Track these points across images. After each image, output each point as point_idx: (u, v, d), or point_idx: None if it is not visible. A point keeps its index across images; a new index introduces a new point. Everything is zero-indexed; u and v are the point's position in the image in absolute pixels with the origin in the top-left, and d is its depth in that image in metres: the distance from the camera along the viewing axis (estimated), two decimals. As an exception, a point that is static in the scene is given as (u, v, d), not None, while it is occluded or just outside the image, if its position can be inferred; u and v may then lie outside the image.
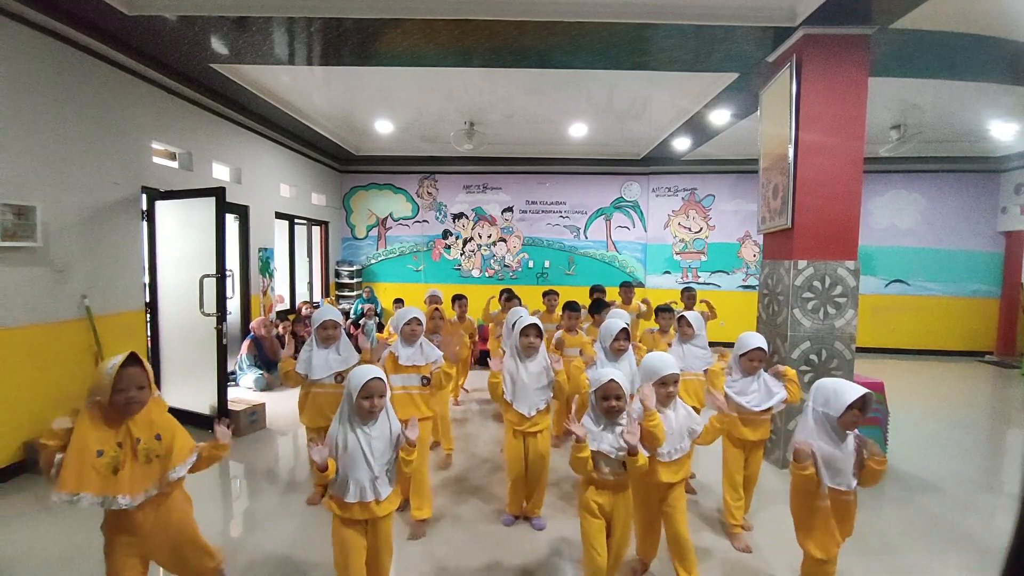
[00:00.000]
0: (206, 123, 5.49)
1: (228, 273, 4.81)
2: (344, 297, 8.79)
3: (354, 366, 2.85)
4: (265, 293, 6.69)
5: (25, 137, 3.52)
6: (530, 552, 2.69)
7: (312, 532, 2.84)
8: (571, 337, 3.88)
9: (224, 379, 4.36)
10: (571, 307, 3.97)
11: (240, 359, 5.92)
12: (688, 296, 5.20)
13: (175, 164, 5.20)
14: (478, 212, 9.19)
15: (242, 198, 6.16)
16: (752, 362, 2.70)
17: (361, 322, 7.40)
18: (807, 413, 2.04)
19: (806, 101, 3.69)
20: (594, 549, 2.07)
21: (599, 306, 4.42)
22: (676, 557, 2.25)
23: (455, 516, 3.05)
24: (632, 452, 1.97)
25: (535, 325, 2.81)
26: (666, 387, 2.19)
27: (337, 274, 8.92)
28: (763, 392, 2.70)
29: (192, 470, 1.85)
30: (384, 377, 1.98)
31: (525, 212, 9.13)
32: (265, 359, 5.97)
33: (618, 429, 2.06)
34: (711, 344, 3.65)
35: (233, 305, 6.06)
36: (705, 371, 3.36)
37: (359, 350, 3.08)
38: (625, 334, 3.01)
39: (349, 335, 3.23)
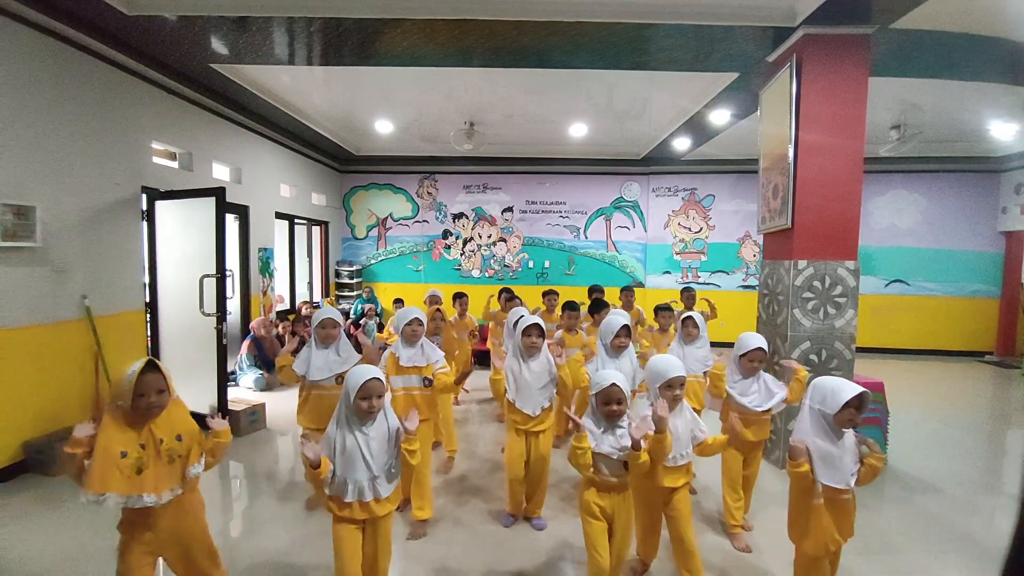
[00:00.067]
0: (206, 123, 5.49)
1: (228, 273, 4.81)
2: (344, 297, 8.79)
3: (355, 365, 2.85)
4: (265, 293, 6.69)
5: (25, 137, 3.52)
6: (530, 553, 2.69)
7: (312, 532, 2.84)
8: (571, 337, 3.88)
9: (224, 379, 4.37)
10: (570, 307, 3.97)
11: (240, 359, 5.92)
12: (688, 296, 5.20)
13: (175, 164, 5.20)
14: (478, 212, 9.19)
15: (242, 198, 6.16)
16: (752, 362, 2.69)
17: (361, 322, 7.40)
18: (804, 411, 2.05)
19: (806, 101, 3.69)
20: (597, 551, 2.07)
21: (598, 306, 4.42)
22: (681, 562, 2.21)
23: (455, 516, 3.05)
24: (635, 447, 1.95)
25: (537, 325, 2.81)
26: (672, 390, 2.15)
27: (337, 274, 8.92)
28: (763, 393, 2.70)
29: (205, 467, 1.91)
30: (382, 377, 1.97)
31: (525, 212, 9.13)
32: (265, 359, 5.97)
33: (619, 431, 2.05)
34: (711, 344, 3.64)
35: (233, 305, 6.06)
36: (705, 373, 3.36)
37: (359, 349, 3.08)
38: (626, 331, 3.00)
39: (349, 335, 3.23)
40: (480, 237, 9.21)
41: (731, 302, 8.37)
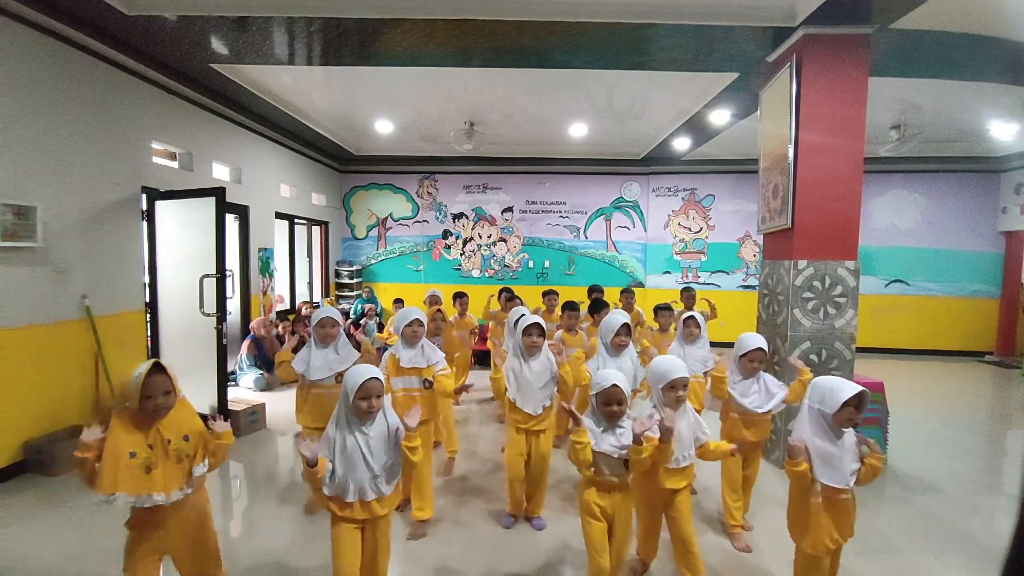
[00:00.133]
0: (206, 123, 5.49)
1: (228, 273, 4.81)
2: (344, 297, 8.79)
3: (355, 362, 2.85)
4: (265, 293, 6.70)
5: (25, 137, 3.52)
6: (530, 553, 2.69)
7: (311, 532, 2.84)
8: (571, 337, 3.87)
9: (224, 379, 4.37)
10: (570, 307, 3.97)
11: (240, 359, 5.92)
12: (688, 296, 5.20)
13: (175, 164, 5.20)
14: (478, 212, 9.19)
15: (242, 198, 6.16)
16: (752, 363, 2.69)
17: (362, 322, 7.40)
18: (803, 411, 2.05)
19: (806, 101, 3.69)
20: (597, 552, 2.06)
21: (598, 306, 4.42)
22: (683, 563, 2.20)
23: (456, 517, 3.05)
24: (637, 441, 1.94)
25: (538, 324, 2.81)
26: (675, 391, 2.14)
27: (337, 274, 8.92)
28: (764, 393, 2.70)
29: (208, 468, 1.93)
30: (381, 377, 1.95)
31: (525, 212, 9.13)
32: (265, 359, 5.97)
33: (619, 430, 2.05)
34: (711, 344, 3.64)
35: (233, 305, 6.06)
36: (705, 373, 3.36)
37: (358, 348, 3.08)
38: (626, 329, 3.00)
39: (348, 335, 3.23)
40: (480, 237, 9.21)
41: (731, 302, 8.37)
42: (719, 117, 5.94)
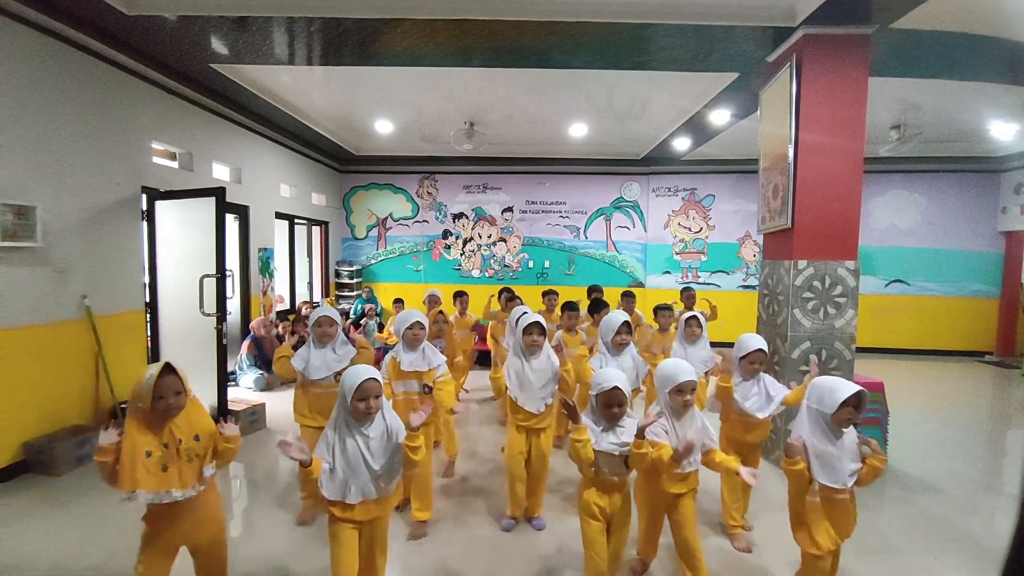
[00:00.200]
0: (206, 123, 5.49)
1: (228, 273, 4.81)
2: (344, 297, 8.79)
3: (352, 361, 2.84)
4: (265, 293, 6.70)
5: (25, 137, 3.52)
6: (530, 554, 2.69)
7: (310, 532, 2.84)
8: (571, 337, 3.87)
9: (224, 379, 4.36)
10: (569, 307, 3.97)
11: (240, 359, 5.92)
12: (688, 296, 5.20)
13: (175, 164, 5.20)
14: (478, 212, 9.19)
15: (242, 198, 6.16)
16: (753, 364, 2.67)
17: (362, 322, 7.40)
18: (803, 411, 2.05)
19: (806, 101, 3.69)
20: (595, 552, 2.06)
21: (598, 306, 4.42)
22: (687, 567, 2.18)
23: (456, 517, 3.05)
24: (640, 435, 1.92)
25: (538, 323, 2.80)
26: (683, 395, 2.11)
27: (337, 274, 8.92)
28: (764, 396, 2.67)
29: (216, 468, 1.98)
30: (379, 377, 1.94)
31: (525, 212, 9.13)
32: (265, 359, 5.97)
33: (619, 429, 2.04)
34: (711, 344, 3.64)
35: (233, 305, 6.06)
36: (706, 373, 3.36)
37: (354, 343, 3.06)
38: (627, 327, 3.00)
39: (345, 333, 3.22)
40: (480, 237, 9.21)
41: (731, 302, 8.37)
42: (719, 117, 5.94)
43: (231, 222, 6.03)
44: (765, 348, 2.67)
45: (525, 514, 2.99)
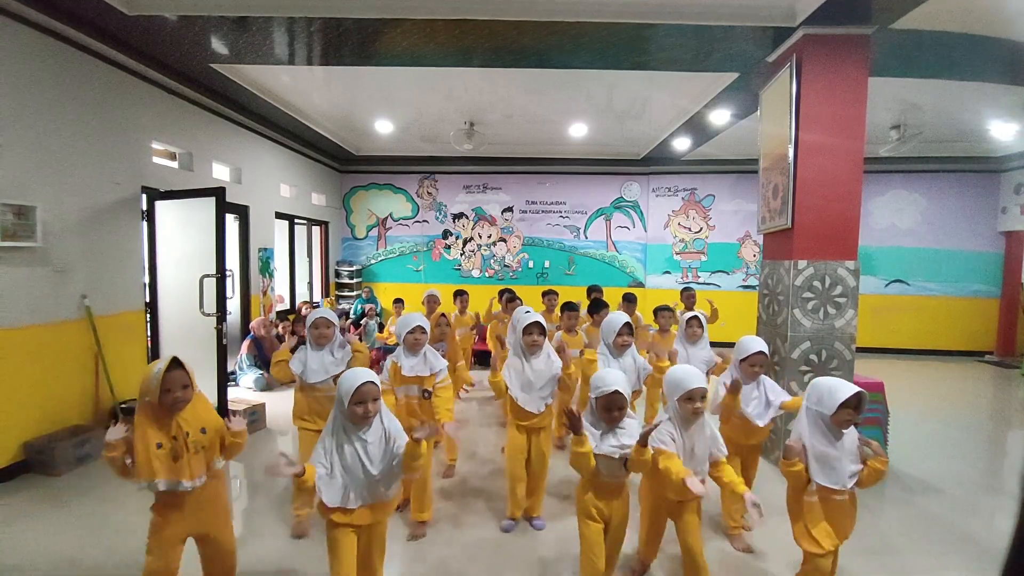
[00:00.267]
0: (206, 123, 5.49)
1: (228, 273, 4.80)
2: (344, 297, 8.79)
3: (348, 364, 2.80)
4: (265, 293, 6.70)
5: (25, 137, 3.52)
6: (530, 554, 2.69)
7: (310, 532, 2.84)
8: (571, 338, 3.87)
9: (224, 379, 4.37)
10: (569, 307, 3.97)
11: (240, 359, 5.92)
12: (688, 296, 5.19)
13: (175, 164, 5.20)
14: (478, 212, 9.19)
15: (242, 198, 6.16)
16: (754, 367, 2.64)
17: (362, 322, 7.40)
18: (802, 412, 2.05)
19: (806, 101, 3.69)
20: (593, 553, 2.06)
21: (597, 306, 4.41)
22: (689, 571, 2.17)
23: (455, 518, 3.05)
24: (643, 442, 1.90)
25: (538, 323, 2.80)
26: (692, 402, 2.05)
27: (337, 274, 8.92)
28: (763, 400, 2.65)
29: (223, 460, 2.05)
30: (377, 380, 1.91)
31: (525, 212, 9.13)
32: (265, 359, 5.97)
33: (619, 431, 2.03)
34: (710, 344, 3.64)
35: (233, 305, 6.06)
36: (708, 372, 3.34)
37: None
38: (628, 328, 2.99)
39: (346, 334, 3.20)
40: (480, 237, 9.21)
41: (731, 302, 8.36)
42: (719, 117, 5.93)
43: (231, 222, 6.03)
44: (766, 350, 2.64)
45: (525, 514, 2.98)
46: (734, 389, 2.56)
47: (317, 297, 8.61)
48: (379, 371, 2.55)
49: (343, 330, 3.09)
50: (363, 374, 1.88)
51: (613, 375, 2.06)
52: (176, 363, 1.90)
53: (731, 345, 2.81)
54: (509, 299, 5.46)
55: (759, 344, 2.65)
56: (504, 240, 9.18)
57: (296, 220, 7.73)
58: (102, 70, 4.12)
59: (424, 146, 8.16)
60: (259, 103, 5.73)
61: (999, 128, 6.53)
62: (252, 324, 6.14)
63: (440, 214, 9.22)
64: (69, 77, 3.83)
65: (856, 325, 3.73)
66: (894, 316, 8.44)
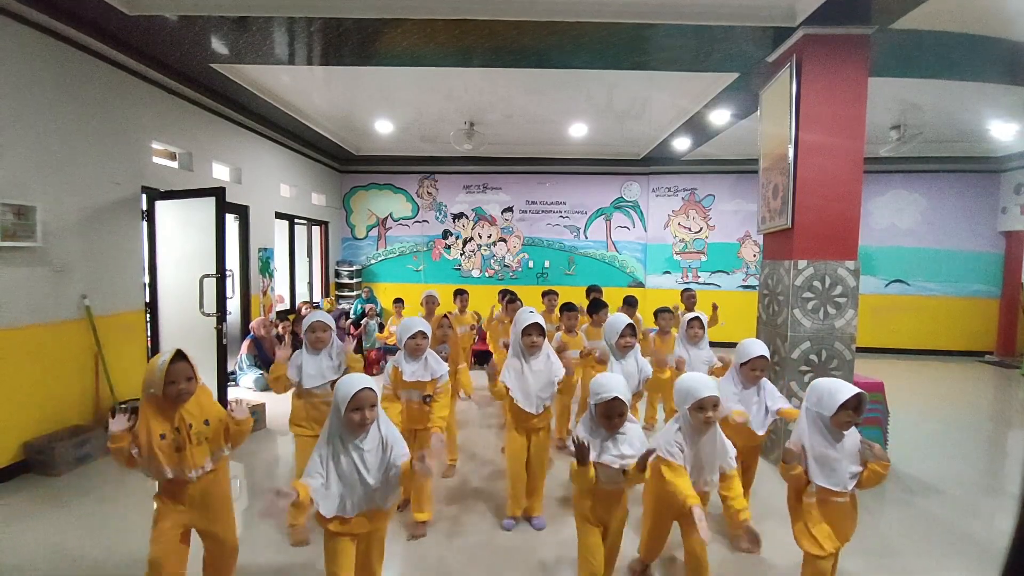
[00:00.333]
0: (206, 123, 5.49)
1: (228, 273, 4.81)
2: (344, 297, 8.79)
3: (342, 374, 2.75)
4: (265, 293, 6.69)
5: (25, 137, 3.52)
6: (530, 554, 2.69)
7: (310, 539, 2.83)
8: (571, 339, 3.87)
9: (224, 379, 4.37)
10: (568, 308, 3.97)
11: (240, 359, 5.92)
12: (688, 297, 5.19)
13: (175, 164, 5.20)
14: (478, 212, 9.19)
15: (242, 198, 6.16)
16: (754, 371, 2.62)
17: (363, 322, 7.40)
18: (802, 413, 2.05)
19: (806, 101, 3.69)
20: (591, 555, 2.05)
21: (597, 306, 4.41)
22: (692, 573, 2.16)
23: (455, 518, 3.05)
24: (641, 468, 1.89)
25: (537, 324, 2.79)
26: (704, 412, 2.00)
27: (337, 274, 8.91)
28: (762, 407, 2.63)
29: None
30: (374, 386, 1.88)
31: (525, 212, 9.13)
32: (265, 359, 5.96)
33: (619, 437, 2.00)
34: (710, 344, 3.64)
35: (233, 305, 6.05)
36: (709, 372, 3.33)
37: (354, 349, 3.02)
38: (631, 330, 2.98)
39: (347, 334, 3.19)
40: (480, 237, 9.21)
41: (731, 302, 8.35)
42: (719, 117, 5.93)
43: (231, 222, 6.02)
44: (767, 354, 2.62)
45: (525, 514, 2.98)
46: (740, 418, 2.53)
47: (317, 297, 8.61)
48: (379, 371, 2.55)
49: (343, 330, 3.07)
50: (360, 380, 1.83)
51: (613, 380, 2.01)
52: (180, 355, 1.92)
53: (731, 345, 2.81)
54: (510, 300, 5.45)
55: (760, 348, 2.63)
56: (504, 240, 9.18)
57: (296, 220, 7.73)
58: (102, 70, 4.12)
59: (424, 146, 8.16)
60: (259, 103, 5.73)
61: (999, 128, 6.53)
62: (252, 324, 6.13)
63: (440, 214, 9.22)
64: (69, 77, 3.83)
65: (856, 325, 3.73)
66: (894, 316, 8.44)
